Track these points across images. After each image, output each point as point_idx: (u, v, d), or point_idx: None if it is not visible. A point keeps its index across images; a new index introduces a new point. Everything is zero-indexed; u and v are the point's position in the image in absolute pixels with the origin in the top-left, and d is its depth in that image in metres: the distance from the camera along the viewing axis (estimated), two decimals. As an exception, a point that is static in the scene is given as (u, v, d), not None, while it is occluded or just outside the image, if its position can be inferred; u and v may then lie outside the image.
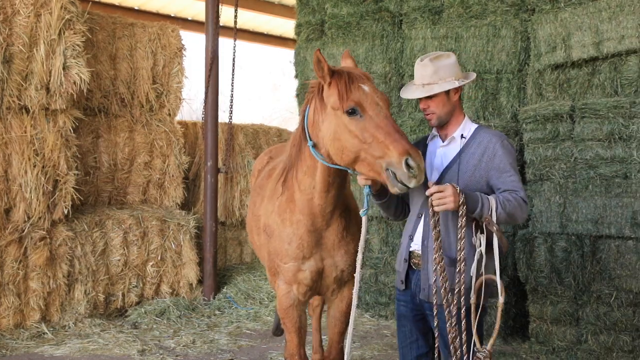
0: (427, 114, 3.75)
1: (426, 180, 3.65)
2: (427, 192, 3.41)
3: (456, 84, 3.64)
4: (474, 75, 3.82)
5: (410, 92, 3.77)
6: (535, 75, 6.86)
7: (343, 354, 4.36)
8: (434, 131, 3.88)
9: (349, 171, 3.62)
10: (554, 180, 6.34)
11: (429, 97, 3.68)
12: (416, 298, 3.77)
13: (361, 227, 3.73)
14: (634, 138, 5.84)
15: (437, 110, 3.69)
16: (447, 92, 3.67)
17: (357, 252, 3.80)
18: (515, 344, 6.76)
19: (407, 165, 3.18)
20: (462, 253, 3.46)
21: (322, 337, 5.91)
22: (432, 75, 3.65)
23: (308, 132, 3.71)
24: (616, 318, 5.86)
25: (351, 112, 3.39)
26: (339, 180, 3.77)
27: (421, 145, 3.94)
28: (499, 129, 6.68)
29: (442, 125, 3.78)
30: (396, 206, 3.97)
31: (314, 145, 3.68)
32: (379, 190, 3.75)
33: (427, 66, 3.66)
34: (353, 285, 4.02)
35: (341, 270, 4.04)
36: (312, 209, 3.84)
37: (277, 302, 4.22)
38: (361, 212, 3.70)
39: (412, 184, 3.21)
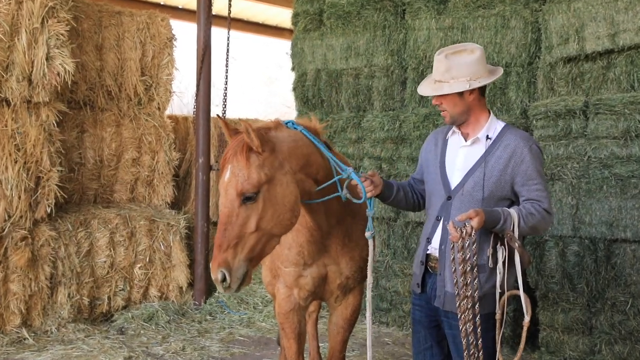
0: (442, 111, 3.64)
1: (447, 182, 3.61)
2: (450, 237, 3.32)
3: (467, 87, 3.47)
4: (498, 74, 3.64)
5: (423, 87, 3.68)
6: (547, 69, 6.64)
7: None
8: (454, 127, 3.74)
9: None
10: (566, 181, 6.19)
11: (441, 95, 3.56)
12: (431, 303, 3.69)
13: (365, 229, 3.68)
14: (651, 136, 5.70)
15: (449, 109, 3.59)
16: (460, 93, 3.53)
17: (362, 258, 3.89)
18: (524, 353, 6.50)
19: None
20: (478, 260, 3.38)
21: (320, 344, 5.81)
22: (443, 73, 3.53)
23: None
24: (632, 327, 5.73)
25: None
26: (321, 206, 3.70)
27: (440, 139, 3.83)
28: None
29: (460, 124, 3.66)
30: (407, 200, 3.89)
31: None
32: (381, 194, 3.69)
33: (441, 62, 3.54)
34: (359, 293, 4.15)
35: (346, 277, 4.01)
36: (307, 223, 3.80)
37: (277, 306, 4.17)
38: (367, 234, 3.59)
39: (219, 288, 3.16)
